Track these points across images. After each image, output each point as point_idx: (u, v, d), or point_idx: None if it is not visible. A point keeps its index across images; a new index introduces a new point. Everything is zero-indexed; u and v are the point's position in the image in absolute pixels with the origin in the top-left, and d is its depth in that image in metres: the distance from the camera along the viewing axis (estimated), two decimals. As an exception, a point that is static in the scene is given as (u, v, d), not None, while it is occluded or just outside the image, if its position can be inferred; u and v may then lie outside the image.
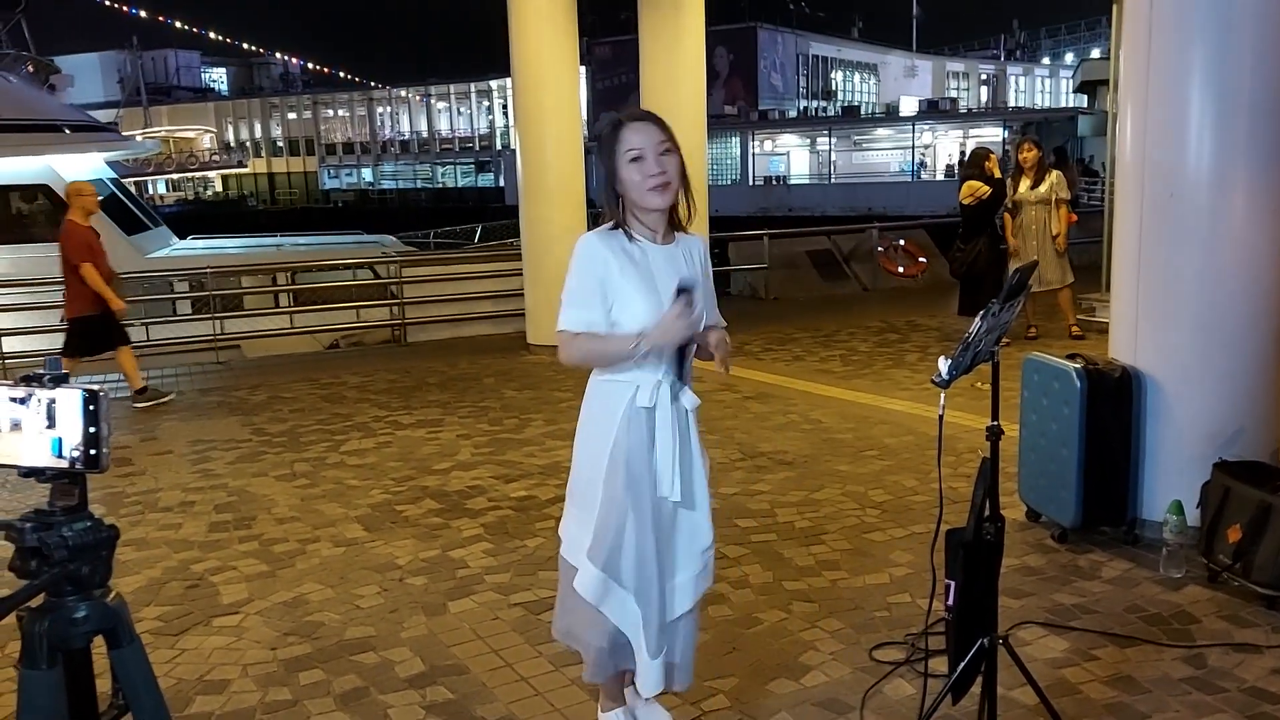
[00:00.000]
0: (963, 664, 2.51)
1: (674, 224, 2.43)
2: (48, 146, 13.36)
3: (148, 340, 9.60)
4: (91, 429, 1.49)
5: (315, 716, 3.01)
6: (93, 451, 1.50)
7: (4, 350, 9.15)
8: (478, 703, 3.05)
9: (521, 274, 9.24)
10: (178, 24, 52.74)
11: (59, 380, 1.51)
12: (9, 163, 12.84)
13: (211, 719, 3.01)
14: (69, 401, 1.50)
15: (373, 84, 66.08)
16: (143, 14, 47.64)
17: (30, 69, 16.15)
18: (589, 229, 2.59)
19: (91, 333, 7.14)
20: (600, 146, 2.37)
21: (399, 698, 3.10)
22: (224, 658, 3.40)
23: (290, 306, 11.35)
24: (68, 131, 14.04)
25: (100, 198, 13.29)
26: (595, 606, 2.44)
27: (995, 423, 2.53)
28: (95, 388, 1.50)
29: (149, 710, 1.64)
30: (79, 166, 13.66)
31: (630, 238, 2.38)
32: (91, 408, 1.49)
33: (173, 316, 10.74)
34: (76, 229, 6.99)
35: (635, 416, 2.37)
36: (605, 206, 2.40)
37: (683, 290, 2.27)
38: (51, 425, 1.51)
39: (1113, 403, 4.00)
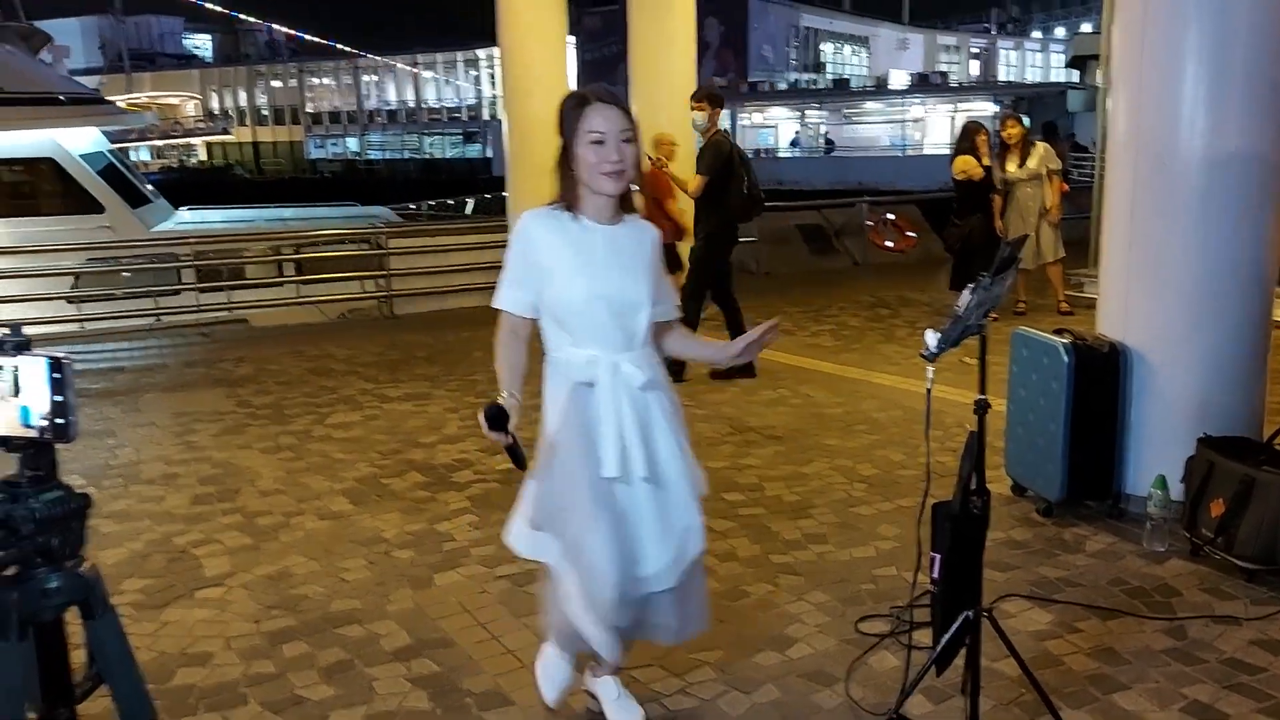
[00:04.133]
0: (947, 636, 2.51)
1: (624, 206, 2.44)
2: (46, 120, 13.12)
3: (159, 323, 9.57)
4: (58, 398, 1.45)
5: (299, 689, 3.00)
6: (60, 421, 1.46)
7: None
8: (464, 675, 3.04)
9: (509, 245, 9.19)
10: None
11: (21, 347, 1.47)
12: (11, 136, 12.56)
13: (194, 691, 3.00)
14: (33, 370, 1.46)
15: (339, 54, 64.57)
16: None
17: (24, 39, 15.78)
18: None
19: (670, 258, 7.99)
20: (561, 121, 2.36)
21: (384, 670, 3.09)
22: (207, 630, 3.38)
23: (296, 279, 11.28)
24: (64, 101, 13.79)
25: (98, 169, 13.18)
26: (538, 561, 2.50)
27: (983, 397, 2.52)
28: (60, 355, 1.46)
29: (123, 681, 1.61)
30: (79, 138, 13.45)
31: (574, 216, 2.40)
32: (57, 375, 1.45)
33: (179, 284, 10.53)
34: (659, 172, 7.95)
35: (577, 393, 2.44)
36: (557, 181, 2.41)
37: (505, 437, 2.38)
38: (17, 393, 1.47)
39: (1100, 378, 4.00)
